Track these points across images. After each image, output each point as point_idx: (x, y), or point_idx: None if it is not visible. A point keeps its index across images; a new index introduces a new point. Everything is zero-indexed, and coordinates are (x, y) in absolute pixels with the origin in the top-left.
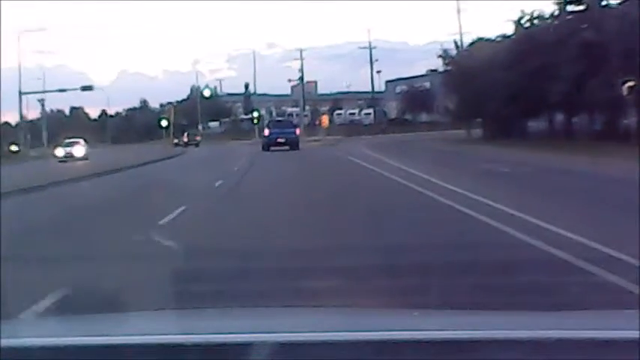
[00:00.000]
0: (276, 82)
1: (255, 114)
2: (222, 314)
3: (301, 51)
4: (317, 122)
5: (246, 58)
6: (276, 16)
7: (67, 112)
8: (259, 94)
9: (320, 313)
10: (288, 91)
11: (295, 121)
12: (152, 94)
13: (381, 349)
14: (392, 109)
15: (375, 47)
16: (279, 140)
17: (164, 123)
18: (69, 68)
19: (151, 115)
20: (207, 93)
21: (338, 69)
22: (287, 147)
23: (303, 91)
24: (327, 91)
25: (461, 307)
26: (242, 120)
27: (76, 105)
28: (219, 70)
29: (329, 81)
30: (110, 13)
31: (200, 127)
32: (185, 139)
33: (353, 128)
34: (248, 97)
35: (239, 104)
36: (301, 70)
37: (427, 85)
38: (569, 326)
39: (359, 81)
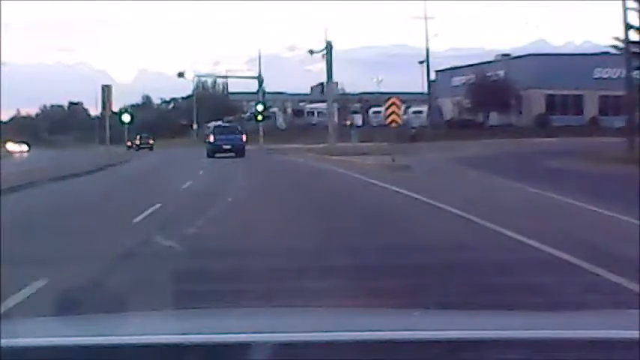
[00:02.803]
0: (296, 85)
1: (260, 107)
2: (222, 314)
3: (326, 30)
4: (348, 122)
5: (266, 59)
6: (298, 19)
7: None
8: (277, 93)
9: (320, 313)
10: (308, 93)
11: (317, 120)
12: (171, 93)
13: (381, 349)
14: (446, 107)
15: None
16: (225, 147)
17: (126, 118)
18: (88, 66)
19: (153, 112)
20: (189, 76)
21: (358, 72)
22: (232, 154)
23: (331, 75)
24: (351, 92)
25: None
26: (249, 119)
27: (76, 100)
28: (239, 72)
29: (350, 85)
30: (133, 12)
31: (195, 125)
32: (137, 142)
33: (402, 132)
34: (262, 94)
35: (252, 103)
36: (328, 48)
37: (501, 73)
38: (569, 326)
39: (381, 85)
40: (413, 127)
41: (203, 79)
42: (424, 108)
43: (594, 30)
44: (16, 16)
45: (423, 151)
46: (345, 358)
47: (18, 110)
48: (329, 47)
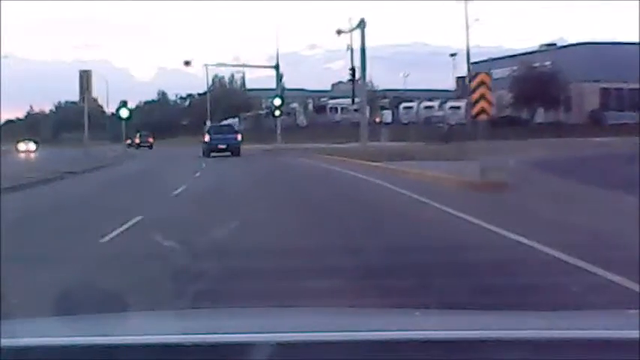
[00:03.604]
0: (315, 83)
1: (277, 101)
2: (222, 314)
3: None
4: (377, 119)
5: (286, 57)
6: (318, 17)
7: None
8: (296, 89)
9: (320, 313)
10: (329, 89)
11: (340, 117)
12: (191, 91)
13: (381, 349)
14: None
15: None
16: (220, 146)
17: (124, 113)
18: (110, 64)
19: (169, 109)
20: (196, 65)
21: (380, 70)
22: (228, 153)
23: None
24: (375, 88)
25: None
26: (266, 115)
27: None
28: (259, 70)
29: (374, 81)
30: (152, 10)
31: (208, 122)
32: (137, 140)
33: (432, 131)
34: (280, 89)
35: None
36: (362, 25)
37: (547, 64)
38: (569, 326)
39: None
40: (449, 124)
41: (220, 75)
42: (462, 103)
43: (614, 27)
44: (36, 14)
45: (475, 153)
46: (345, 358)
47: (31, 107)
48: (362, 25)
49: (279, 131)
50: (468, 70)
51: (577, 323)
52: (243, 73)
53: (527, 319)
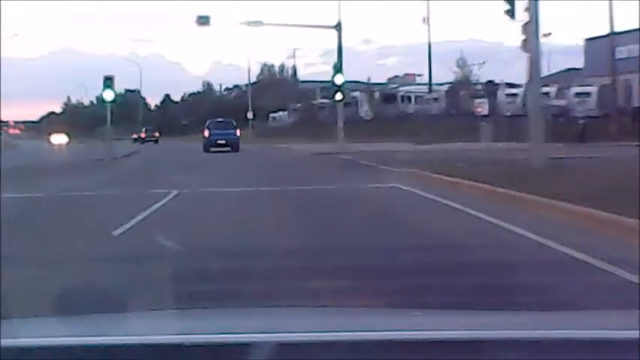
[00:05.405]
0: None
1: (339, 79)
2: (222, 314)
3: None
4: (478, 110)
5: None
6: (374, 13)
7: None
8: (353, 82)
9: (320, 313)
10: (385, 83)
11: (414, 108)
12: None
13: (381, 349)
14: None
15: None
16: (219, 142)
17: (108, 95)
18: (162, 58)
19: (215, 100)
20: (214, 23)
21: (440, 67)
22: (228, 148)
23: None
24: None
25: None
26: (320, 106)
27: (133, 88)
28: (314, 65)
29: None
30: (206, 4)
31: (250, 114)
32: (143, 135)
33: (557, 125)
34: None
35: (325, 92)
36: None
37: None
38: (569, 326)
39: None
40: (579, 118)
41: (270, 63)
42: (592, 89)
43: None
44: (94, 8)
45: None
46: (345, 358)
47: (68, 98)
48: None
49: (340, 124)
50: (611, 32)
51: (577, 323)
52: (295, 63)
53: (527, 319)
